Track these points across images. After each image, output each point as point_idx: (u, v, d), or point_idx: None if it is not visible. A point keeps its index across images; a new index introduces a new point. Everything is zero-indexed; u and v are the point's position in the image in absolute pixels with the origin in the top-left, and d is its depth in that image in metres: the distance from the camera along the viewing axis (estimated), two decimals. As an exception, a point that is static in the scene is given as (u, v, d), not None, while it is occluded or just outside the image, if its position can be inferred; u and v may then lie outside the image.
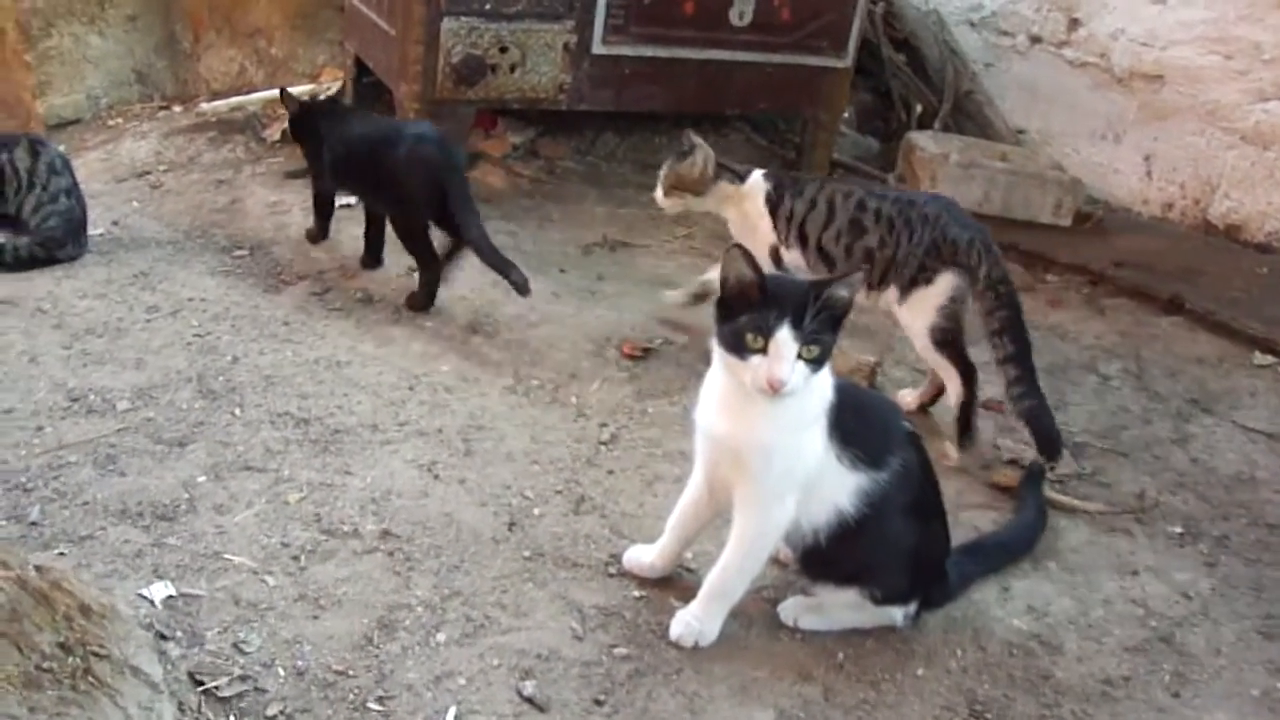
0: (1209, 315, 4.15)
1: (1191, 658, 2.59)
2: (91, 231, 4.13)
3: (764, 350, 2.18)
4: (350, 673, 2.23)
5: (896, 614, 2.52)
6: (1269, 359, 3.97)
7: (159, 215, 4.51)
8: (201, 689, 2.17)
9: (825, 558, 2.43)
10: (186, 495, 2.76)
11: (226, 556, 2.55)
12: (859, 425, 2.39)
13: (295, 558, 2.58)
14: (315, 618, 2.38)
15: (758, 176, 3.53)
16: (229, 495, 2.78)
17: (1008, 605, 2.70)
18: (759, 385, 2.19)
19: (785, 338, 2.17)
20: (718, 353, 2.29)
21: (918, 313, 3.21)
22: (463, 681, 2.28)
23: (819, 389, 2.32)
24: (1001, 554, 2.83)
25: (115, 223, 4.39)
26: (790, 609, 2.55)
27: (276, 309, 3.75)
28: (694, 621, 2.45)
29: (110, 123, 5.48)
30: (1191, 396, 3.73)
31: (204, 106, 5.40)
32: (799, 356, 2.18)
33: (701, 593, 2.47)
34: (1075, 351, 4.00)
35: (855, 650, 2.49)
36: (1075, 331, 4.13)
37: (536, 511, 2.86)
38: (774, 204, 3.47)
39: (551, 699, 2.26)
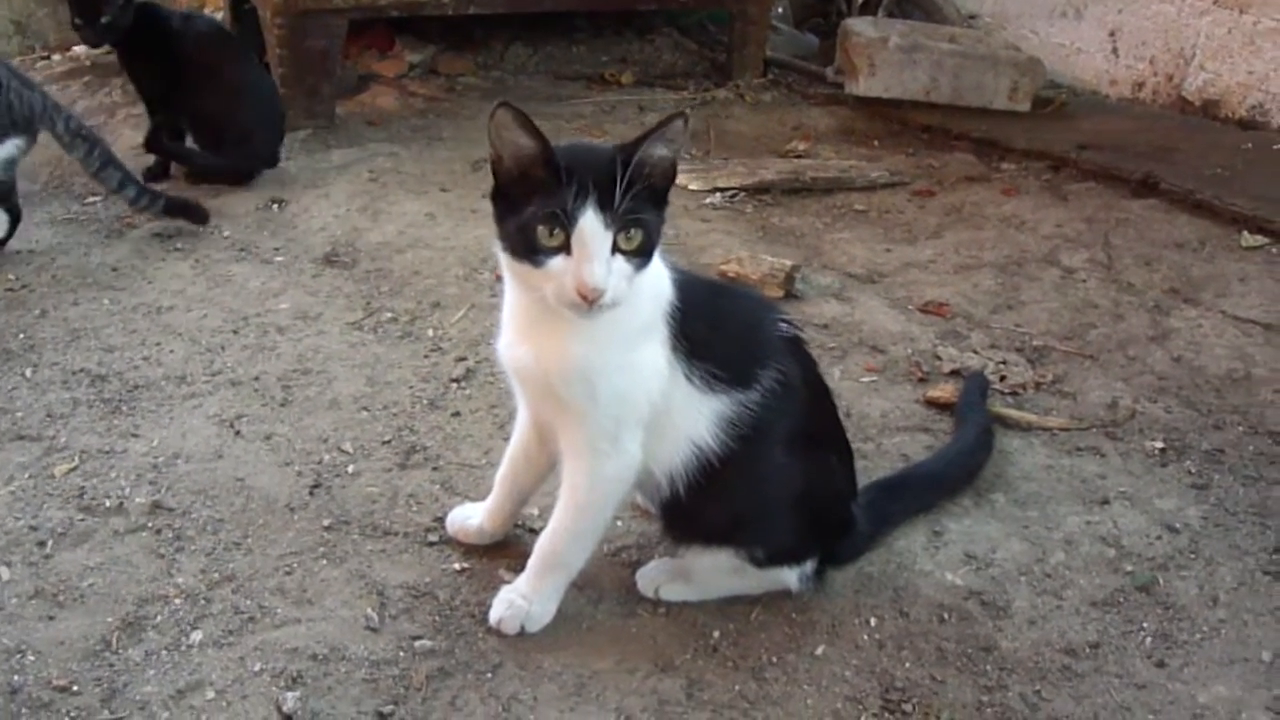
0: (1188, 195, 3.41)
1: (1180, 611, 1.89)
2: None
3: (565, 248, 1.50)
4: (75, 688, 1.69)
5: (788, 576, 1.83)
6: (1260, 239, 3.22)
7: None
8: (-118, 722, 1.62)
9: (687, 511, 1.75)
10: (-61, 476, 2.18)
11: (-37, 546, 1.98)
12: (713, 332, 1.71)
13: (41, 543, 2.00)
14: (50, 618, 1.83)
15: None
16: (-11, 471, 2.18)
17: (940, 554, 2.00)
18: (567, 298, 1.51)
19: (592, 226, 1.49)
20: (504, 261, 1.60)
21: None
22: (211, 695, 1.68)
23: (650, 287, 1.64)
24: (932, 488, 2.13)
25: (-33, 181, 3.71)
26: (650, 577, 1.88)
27: (109, 255, 3.14)
28: (520, 600, 1.79)
29: (-11, 77, 4.77)
30: (1171, 286, 2.99)
31: (76, 50, 4.70)
32: (615, 249, 1.51)
33: (530, 564, 1.81)
34: (1033, 242, 3.26)
35: (736, 626, 1.82)
36: (1033, 221, 3.39)
37: (351, 469, 2.19)
38: None
39: (319, 713, 1.65)
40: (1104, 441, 2.34)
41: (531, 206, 1.50)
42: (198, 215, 3.24)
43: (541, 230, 1.50)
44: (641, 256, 1.53)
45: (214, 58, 3.52)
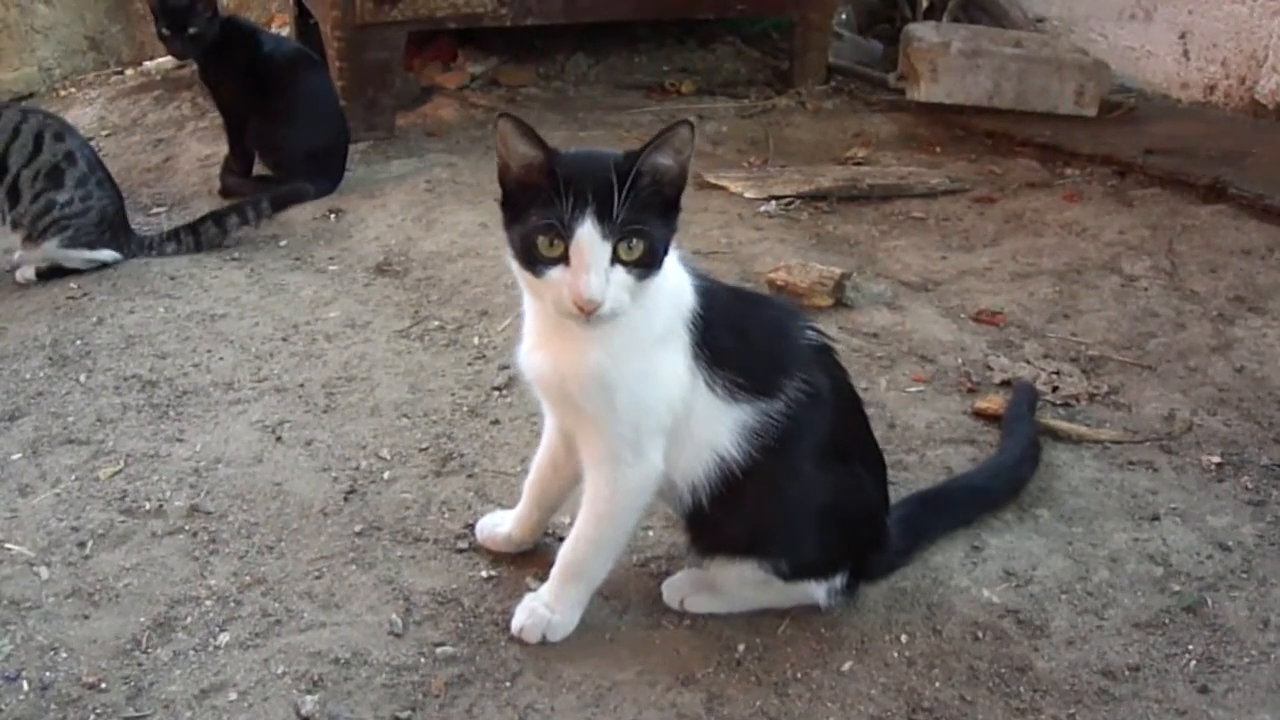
0: (1257, 201, 3.27)
1: (1227, 634, 1.80)
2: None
3: (564, 258, 1.49)
4: (103, 685, 1.72)
5: (816, 591, 1.78)
6: (1332, 247, 3.08)
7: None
8: (-82, 711, 1.67)
9: (711, 522, 1.73)
10: (-9, 476, 2.24)
11: (8, 546, 2.04)
12: (736, 339, 1.68)
13: (81, 544, 2.04)
14: (85, 617, 1.87)
15: None
16: (39, 473, 2.25)
17: (977, 570, 1.94)
18: (565, 308, 1.51)
19: (589, 237, 1.48)
20: (514, 269, 1.59)
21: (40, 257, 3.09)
22: (233, 696, 1.70)
23: (668, 293, 1.63)
24: (973, 502, 2.06)
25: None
26: (675, 588, 1.85)
27: (168, 265, 3.18)
28: (543, 609, 1.77)
29: (63, 93, 4.93)
30: (1236, 294, 2.88)
31: (147, 65, 4.81)
32: (615, 260, 1.49)
33: (553, 573, 1.80)
34: (1094, 250, 3.16)
35: (763, 640, 1.78)
36: (1095, 227, 3.28)
37: (387, 475, 2.20)
38: None
39: (336, 717, 1.65)
40: (1158, 455, 2.26)
41: (533, 216, 1.49)
42: (301, 195, 3.35)
43: (541, 240, 1.49)
44: (644, 267, 1.51)
45: (294, 84, 3.57)
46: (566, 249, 1.48)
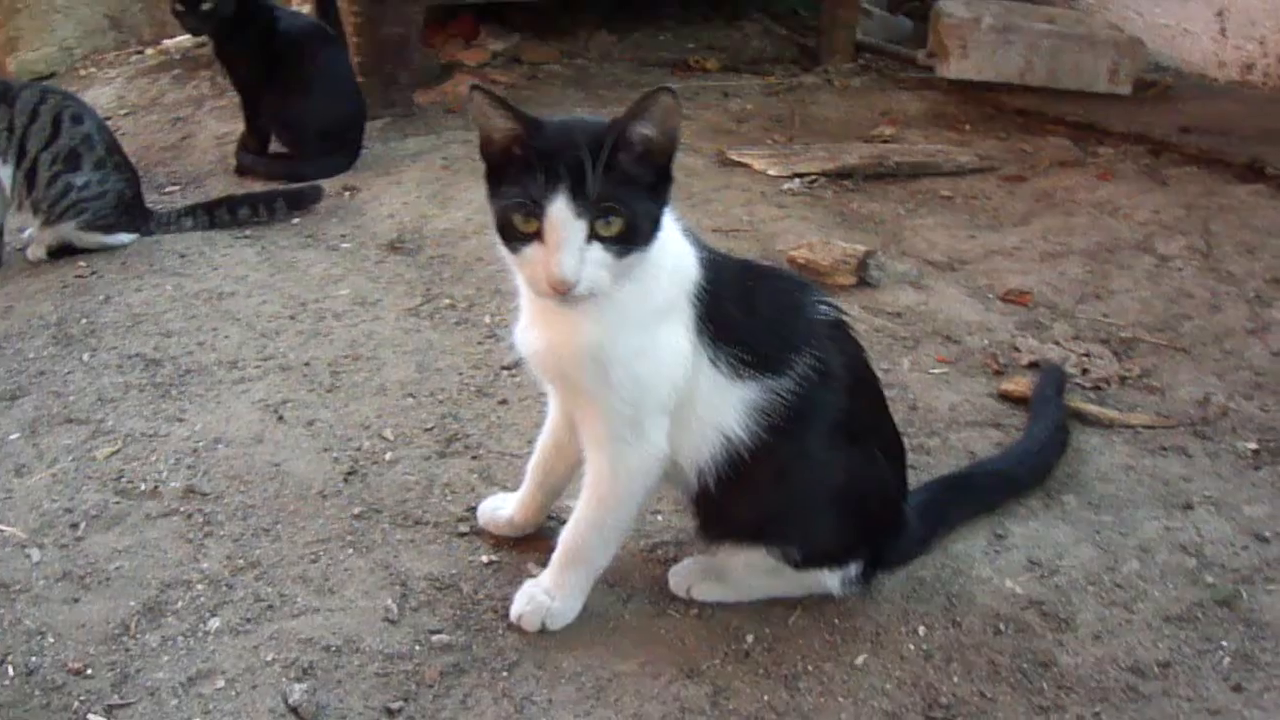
0: (1298, 180, 3.15)
1: (1263, 629, 1.70)
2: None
3: (539, 235, 1.41)
4: (89, 672, 1.66)
5: (829, 579, 1.69)
6: (1372, 227, 2.96)
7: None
8: (-100, 696, 1.60)
9: (718, 506, 1.64)
10: (-12, 456, 2.18)
11: (0, 527, 1.95)
12: (743, 314, 1.59)
13: (74, 525, 1.98)
14: (75, 601, 1.80)
15: None
16: (36, 453, 2.19)
17: (1001, 560, 1.84)
18: (539, 287, 1.44)
19: (562, 213, 1.40)
20: (498, 243, 1.52)
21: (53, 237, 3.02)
22: (220, 684, 1.63)
23: (668, 266, 1.53)
24: (997, 488, 1.97)
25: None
26: (682, 575, 1.77)
27: (179, 243, 3.11)
28: (543, 596, 1.69)
29: (83, 73, 4.87)
30: (1273, 275, 2.76)
31: (167, 44, 4.75)
32: (593, 236, 1.41)
33: (553, 559, 1.72)
34: (1127, 229, 3.04)
35: (773, 631, 1.70)
36: (1128, 206, 3.17)
37: (389, 456, 2.12)
38: None
39: (324, 707, 1.58)
40: (1191, 441, 2.15)
41: (510, 192, 1.43)
42: (313, 196, 3.27)
43: (516, 217, 1.43)
44: (624, 243, 1.43)
45: (310, 60, 3.50)
46: (541, 225, 1.41)
